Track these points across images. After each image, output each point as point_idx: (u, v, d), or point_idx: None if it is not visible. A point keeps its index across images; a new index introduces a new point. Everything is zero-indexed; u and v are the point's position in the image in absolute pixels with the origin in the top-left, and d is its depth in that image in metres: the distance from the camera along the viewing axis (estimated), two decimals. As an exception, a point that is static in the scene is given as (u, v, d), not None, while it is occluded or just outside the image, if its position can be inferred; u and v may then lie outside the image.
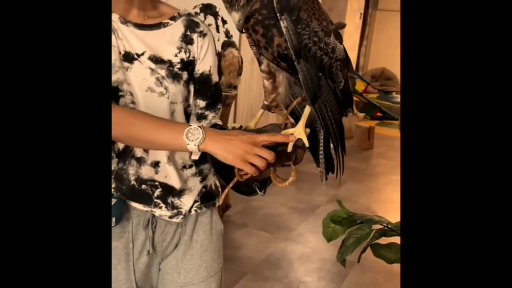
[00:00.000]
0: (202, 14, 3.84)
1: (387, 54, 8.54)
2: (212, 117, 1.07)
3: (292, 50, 0.82)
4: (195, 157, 0.86)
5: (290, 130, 0.89)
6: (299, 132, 0.88)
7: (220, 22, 4.04)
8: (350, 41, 7.80)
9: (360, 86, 6.68)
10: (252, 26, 0.83)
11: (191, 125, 0.85)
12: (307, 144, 0.88)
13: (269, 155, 0.84)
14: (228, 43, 3.00)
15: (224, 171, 0.94)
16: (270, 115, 0.98)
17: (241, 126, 0.95)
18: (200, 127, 0.84)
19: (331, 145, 0.94)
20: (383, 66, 8.65)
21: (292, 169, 0.91)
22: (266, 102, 0.96)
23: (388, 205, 3.57)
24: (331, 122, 0.89)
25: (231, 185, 0.91)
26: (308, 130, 0.90)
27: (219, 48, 3.03)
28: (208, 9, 3.89)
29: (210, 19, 3.91)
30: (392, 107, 6.92)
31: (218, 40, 3.99)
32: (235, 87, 2.96)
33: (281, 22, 0.80)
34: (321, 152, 0.97)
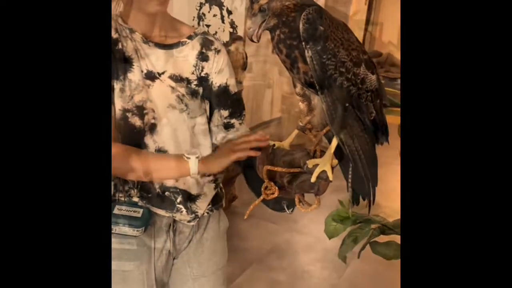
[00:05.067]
0: (207, 5, 3.87)
1: (391, 40, 8.50)
2: (238, 124, 1.13)
3: (316, 81, 0.80)
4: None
5: (316, 161, 0.87)
6: (325, 164, 0.86)
7: (225, 13, 4.06)
8: (356, 27, 7.77)
9: (364, 72, 6.67)
10: (277, 44, 0.81)
11: (184, 154, 0.98)
12: (331, 178, 0.86)
13: (252, 137, 0.96)
14: (234, 37, 3.06)
15: (256, 184, 0.99)
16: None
17: (274, 145, 0.96)
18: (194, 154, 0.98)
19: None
20: (388, 52, 8.61)
21: (315, 197, 0.91)
22: (301, 124, 0.94)
23: (390, 194, 3.64)
24: (358, 153, 0.87)
25: (257, 202, 0.97)
26: (336, 161, 0.88)
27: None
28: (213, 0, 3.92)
29: (215, 9, 3.94)
30: (396, 93, 6.89)
31: (223, 30, 4.02)
32: (241, 82, 3.03)
33: (306, 52, 0.78)
34: (349, 180, 0.94)
